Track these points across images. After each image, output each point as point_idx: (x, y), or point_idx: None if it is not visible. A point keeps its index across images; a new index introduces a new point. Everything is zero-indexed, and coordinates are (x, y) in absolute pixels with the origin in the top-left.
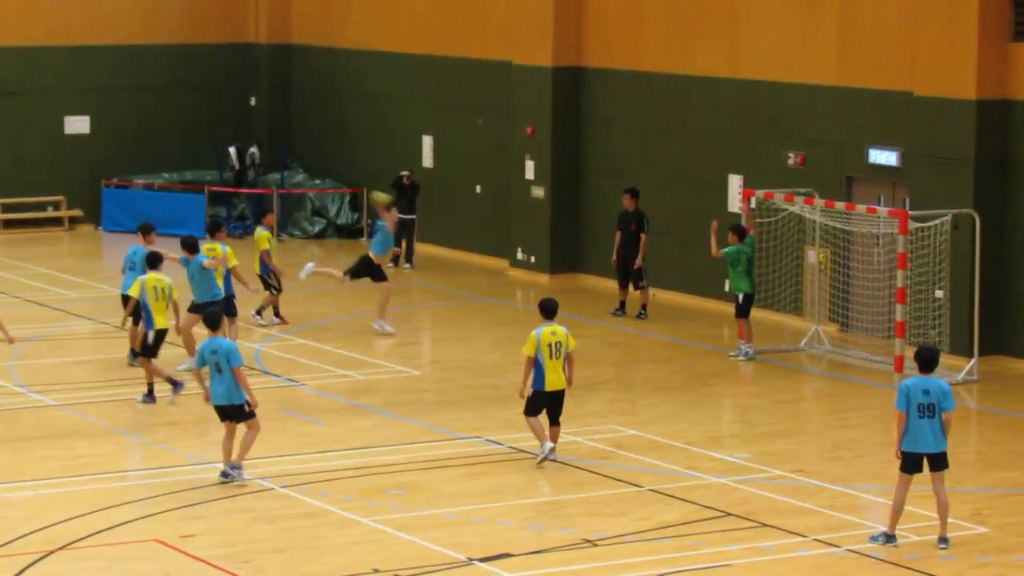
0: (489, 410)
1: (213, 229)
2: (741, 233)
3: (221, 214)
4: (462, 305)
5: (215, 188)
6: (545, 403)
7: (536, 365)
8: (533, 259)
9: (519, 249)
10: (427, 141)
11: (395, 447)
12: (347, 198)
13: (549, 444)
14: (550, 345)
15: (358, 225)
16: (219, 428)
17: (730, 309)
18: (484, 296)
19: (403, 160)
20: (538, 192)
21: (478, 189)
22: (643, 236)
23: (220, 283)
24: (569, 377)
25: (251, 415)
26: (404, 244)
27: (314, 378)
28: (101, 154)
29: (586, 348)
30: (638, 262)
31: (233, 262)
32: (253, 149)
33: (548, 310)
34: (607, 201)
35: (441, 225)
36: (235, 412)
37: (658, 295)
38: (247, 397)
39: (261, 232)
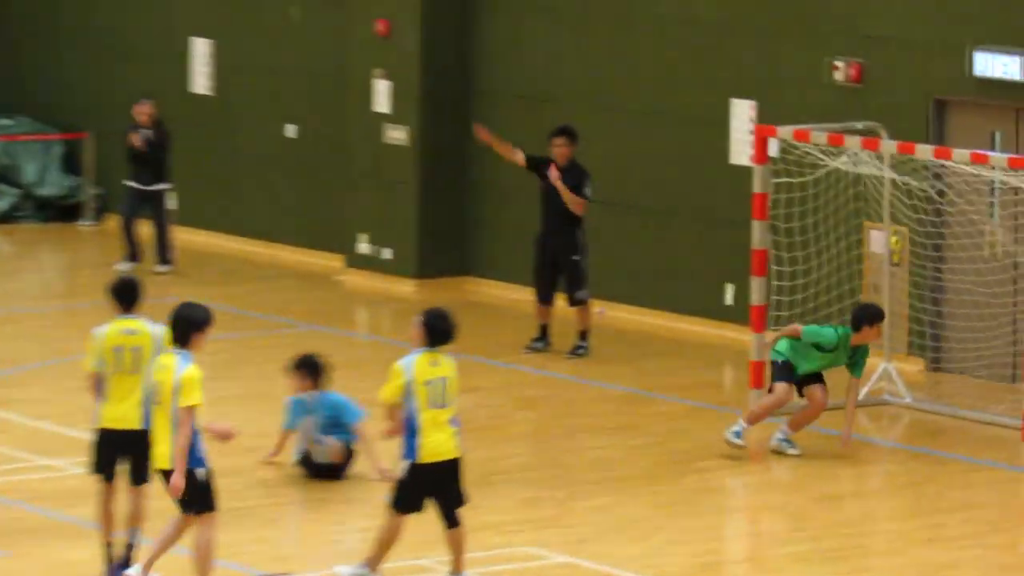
0: None
1: None
2: None
3: None
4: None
5: None
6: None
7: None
8: (388, 254)
9: (363, 237)
10: (200, 47)
11: None
12: (57, 150)
13: None
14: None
15: (73, 197)
16: None
17: (733, 335)
18: (307, 323)
19: (158, 84)
20: (397, 135)
21: (290, 131)
22: (580, 206)
23: None
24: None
25: None
26: (157, 235)
27: None
28: None
29: (483, 409)
30: (575, 257)
31: None
32: None
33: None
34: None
35: (209, 194)
36: None
37: (607, 314)
38: None
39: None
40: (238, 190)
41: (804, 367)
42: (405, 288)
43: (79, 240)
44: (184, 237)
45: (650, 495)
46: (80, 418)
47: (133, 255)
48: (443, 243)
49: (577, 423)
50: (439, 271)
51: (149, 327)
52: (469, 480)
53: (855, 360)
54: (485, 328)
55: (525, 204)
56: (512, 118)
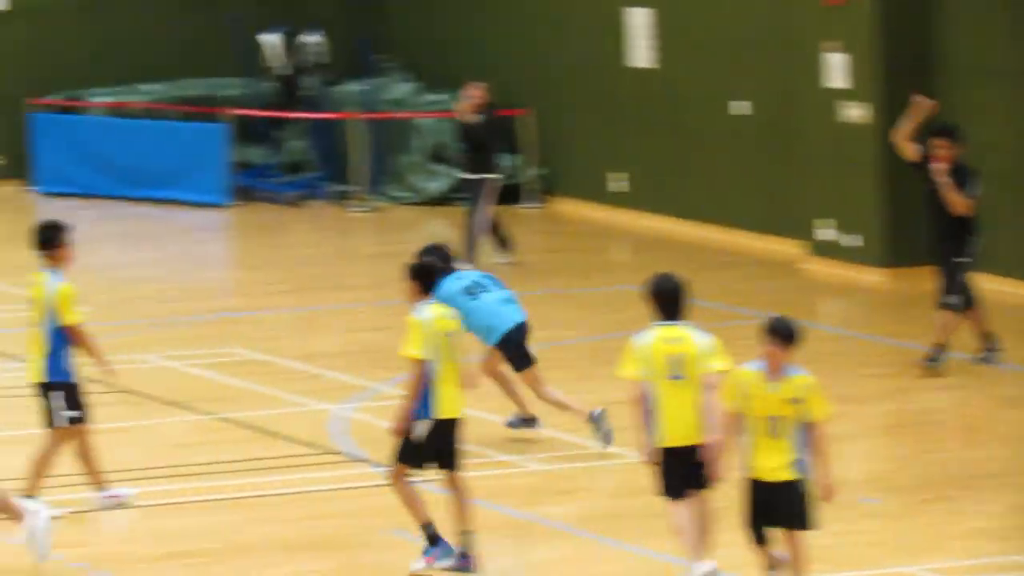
0: None
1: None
2: None
3: (255, 160)
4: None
5: (239, 111)
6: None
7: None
8: (854, 241)
9: (825, 223)
10: (638, 17)
11: None
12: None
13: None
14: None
15: (514, 178)
16: None
17: None
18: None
19: (596, 57)
20: (857, 113)
21: (738, 108)
22: (965, 206)
23: None
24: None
25: None
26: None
27: None
28: (29, 53)
29: (965, 408)
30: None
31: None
32: (312, 37)
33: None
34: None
35: (659, 176)
36: None
37: None
38: None
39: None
40: (688, 171)
41: None
42: (872, 278)
43: (522, 223)
44: (635, 222)
45: None
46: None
47: (502, 244)
48: (914, 230)
49: None
50: (909, 260)
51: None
52: (950, 483)
53: None
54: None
55: (1008, 189)
56: (965, 94)
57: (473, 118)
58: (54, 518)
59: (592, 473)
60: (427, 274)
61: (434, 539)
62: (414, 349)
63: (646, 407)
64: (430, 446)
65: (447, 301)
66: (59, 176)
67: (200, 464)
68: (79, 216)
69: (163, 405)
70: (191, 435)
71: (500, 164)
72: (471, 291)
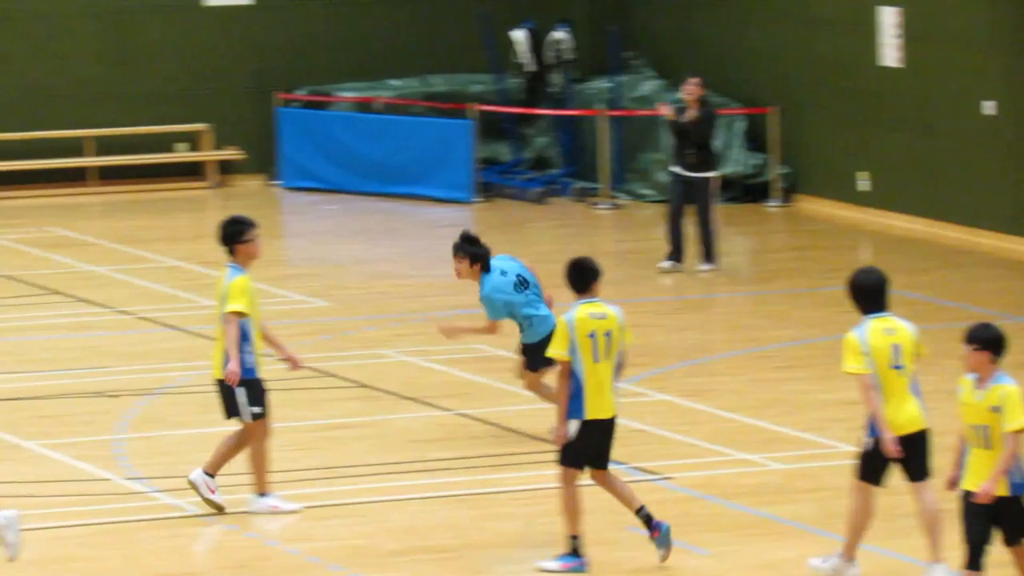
0: None
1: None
2: None
3: (501, 156)
4: None
5: (486, 107)
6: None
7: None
8: None
9: None
10: (887, 15)
11: None
12: (740, 126)
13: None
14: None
15: (759, 176)
16: None
17: None
18: (1011, 315)
19: (846, 55)
20: None
21: (988, 108)
22: None
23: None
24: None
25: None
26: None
27: None
28: (276, 48)
29: None
30: None
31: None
32: (559, 33)
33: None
34: None
35: (903, 175)
36: None
37: None
38: None
39: (235, 277)
40: (934, 171)
41: None
42: None
43: (766, 222)
44: (879, 221)
45: None
46: (773, 411)
47: (675, 253)
48: None
49: None
50: None
51: (905, 325)
52: None
53: None
54: None
55: None
56: None
57: (690, 114)
58: (292, 512)
59: (835, 472)
60: (576, 274)
61: (576, 552)
62: (557, 350)
63: (879, 399)
64: (586, 447)
65: (500, 291)
66: (303, 171)
67: (437, 460)
68: (322, 211)
69: (402, 400)
70: (429, 431)
71: (720, 160)
72: (518, 286)
